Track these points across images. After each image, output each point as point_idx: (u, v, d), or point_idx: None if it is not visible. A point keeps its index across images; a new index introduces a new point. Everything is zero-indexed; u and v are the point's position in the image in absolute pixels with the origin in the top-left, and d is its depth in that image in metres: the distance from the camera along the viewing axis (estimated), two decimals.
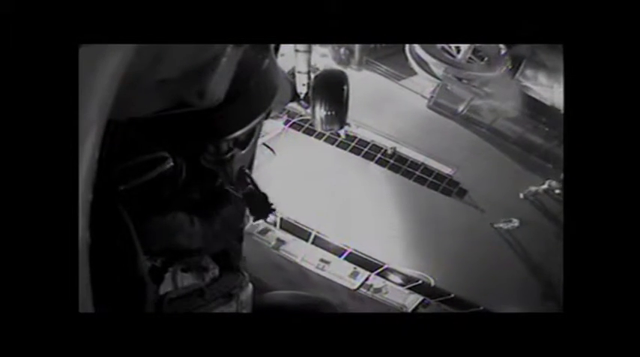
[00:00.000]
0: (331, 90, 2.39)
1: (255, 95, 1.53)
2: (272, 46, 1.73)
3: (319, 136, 11.23)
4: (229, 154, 1.75)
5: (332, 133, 11.16)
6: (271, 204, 1.87)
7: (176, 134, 1.48)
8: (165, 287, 1.61)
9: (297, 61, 2.82)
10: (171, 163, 1.52)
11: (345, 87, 2.38)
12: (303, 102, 2.77)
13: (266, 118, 1.90)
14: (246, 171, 1.92)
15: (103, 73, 0.71)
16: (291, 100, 2.82)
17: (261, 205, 1.85)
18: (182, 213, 1.73)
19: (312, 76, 2.67)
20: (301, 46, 2.85)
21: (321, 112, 2.38)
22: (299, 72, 2.77)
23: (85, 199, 0.69)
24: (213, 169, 1.77)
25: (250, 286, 2.00)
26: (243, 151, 1.84)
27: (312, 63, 2.99)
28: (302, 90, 2.75)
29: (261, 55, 1.50)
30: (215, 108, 1.32)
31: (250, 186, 1.86)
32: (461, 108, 12.44)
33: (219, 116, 1.43)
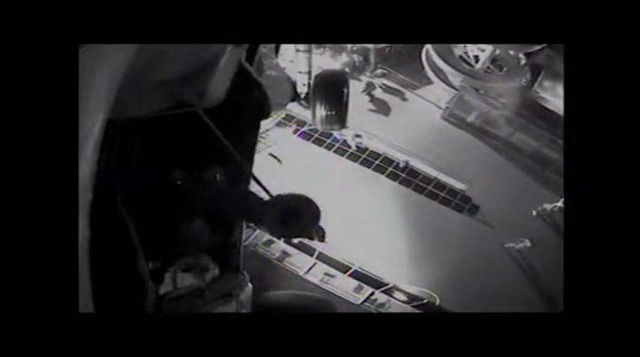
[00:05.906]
0: (331, 90, 2.40)
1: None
2: (272, 46, 1.73)
3: (329, 146, 10.76)
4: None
5: (342, 145, 10.77)
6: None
7: (176, 133, 1.48)
8: (166, 287, 1.61)
9: (298, 61, 2.82)
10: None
11: (345, 87, 2.39)
12: (303, 102, 2.77)
13: (265, 117, 1.91)
14: None
15: (103, 73, 0.71)
16: (292, 100, 2.83)
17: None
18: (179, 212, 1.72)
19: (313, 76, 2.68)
20: (302, 46, 2.85)
21: (321, 111, 2.39)
22: (299, 72, 2.78)
23: (85, 199, 0.69)
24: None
25: (250, 286, 2.00)
26: None
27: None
28: (302, 90, 2.76)
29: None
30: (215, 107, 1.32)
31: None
32: (476, 119, 11.89)
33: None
